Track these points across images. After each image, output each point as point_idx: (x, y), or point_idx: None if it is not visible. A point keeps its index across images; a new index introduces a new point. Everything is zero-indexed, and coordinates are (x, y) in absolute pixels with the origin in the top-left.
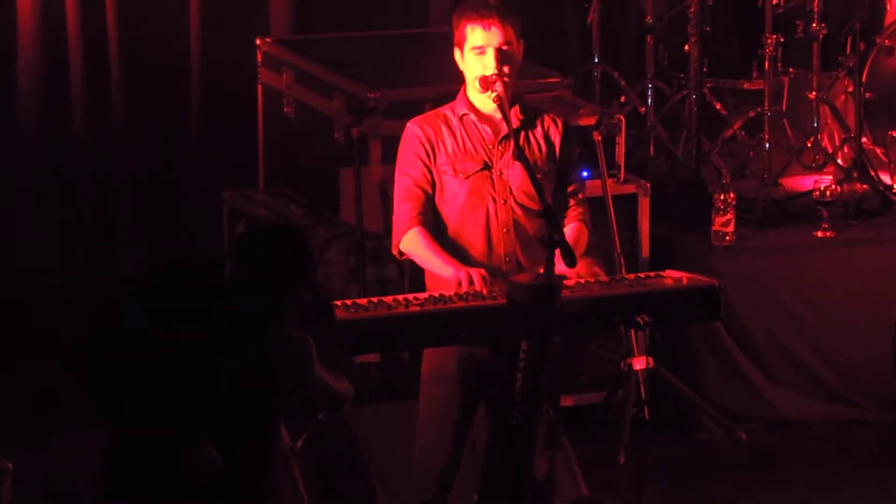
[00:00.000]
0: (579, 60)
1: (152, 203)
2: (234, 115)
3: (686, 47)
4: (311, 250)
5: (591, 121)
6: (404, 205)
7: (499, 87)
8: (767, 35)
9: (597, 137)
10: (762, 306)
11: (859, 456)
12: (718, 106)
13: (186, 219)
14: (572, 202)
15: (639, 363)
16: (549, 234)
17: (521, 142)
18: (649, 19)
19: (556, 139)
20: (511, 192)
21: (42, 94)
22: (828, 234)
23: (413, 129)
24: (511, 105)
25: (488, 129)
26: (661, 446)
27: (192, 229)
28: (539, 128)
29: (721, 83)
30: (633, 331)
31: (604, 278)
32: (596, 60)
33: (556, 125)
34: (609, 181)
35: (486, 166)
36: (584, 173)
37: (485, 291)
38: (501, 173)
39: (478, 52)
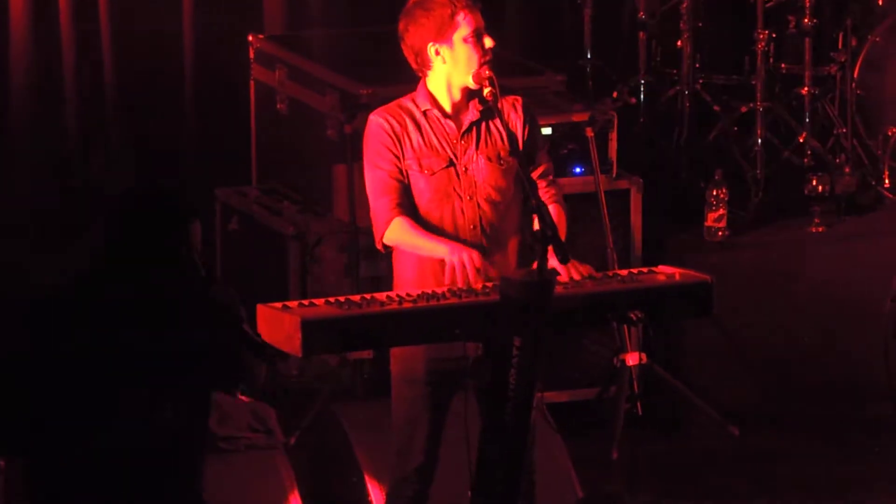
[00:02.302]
0: (572, 56)
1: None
2: (227, 112)
3: (679, 43)
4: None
5: (584, 117)
6: (382, 198)
7: (493, 81)
8: (759, 31)
9: (589, 133)
10: (755, 302)
11: (854, 452)
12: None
13: None
14: (543, 183)
15: (632, 359)
16: (542, 230)
17: (483, 133)
18: (642, 15)
19: (518, 125)
20: (477, 187)
21: (35, 90)
22: (820, 229)
23: (378, 121)
24: (471, 97)
25: (451, 124)
26: (653, 442)
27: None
28: (498, 116)
29: (713, 79)
30: (625, 327)
31: (596, 274)
32: (589, 56)
33: (516, 109)
34: (602, 177)
35: (452, 163)
36: (577, 169)
37: (478, 271)
38: (466, 169)
39: (472, 38)
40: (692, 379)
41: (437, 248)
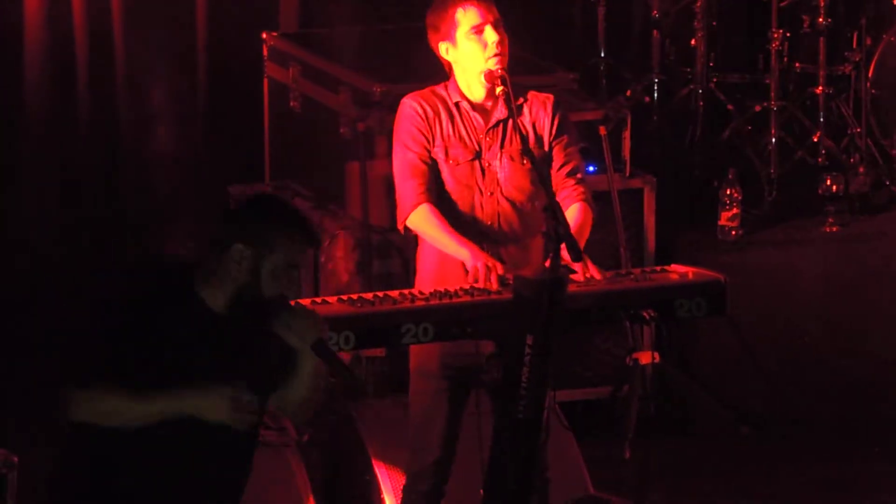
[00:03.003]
0: (585, 55)
1: (158, 197)
2: (240, 109)
3: (692, 42)
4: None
5: (597, 115)
6: (409, 181)
7: (505, 80)
8: (773, 30)
9: (602, 132)
10: (768, 301)
11: (869, 452)
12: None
13: (192, 213)
14: (572, 181)
15: (644, 358)
16: (554, 228)
17: (510, 131)
18: (655, 14)
19: (546, 124)
20: (499, 185)
21: (49, 89)
22: (834, 228)
23: (412, 104)
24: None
25: (479, 119)
26: (666, 441)
27: (198, 223)
28: (527, 115)
29: (727, 78)
30: (638, 325)
31: (607, 274)
32: (602, 55)
33: (546, 109)
34: (615, 176)
35: (477, 156)
36: (591, 168)
37: (501, 278)
38: (489, 164)
39: (475, 31)
40: (705, 378)
41: (459, 251)
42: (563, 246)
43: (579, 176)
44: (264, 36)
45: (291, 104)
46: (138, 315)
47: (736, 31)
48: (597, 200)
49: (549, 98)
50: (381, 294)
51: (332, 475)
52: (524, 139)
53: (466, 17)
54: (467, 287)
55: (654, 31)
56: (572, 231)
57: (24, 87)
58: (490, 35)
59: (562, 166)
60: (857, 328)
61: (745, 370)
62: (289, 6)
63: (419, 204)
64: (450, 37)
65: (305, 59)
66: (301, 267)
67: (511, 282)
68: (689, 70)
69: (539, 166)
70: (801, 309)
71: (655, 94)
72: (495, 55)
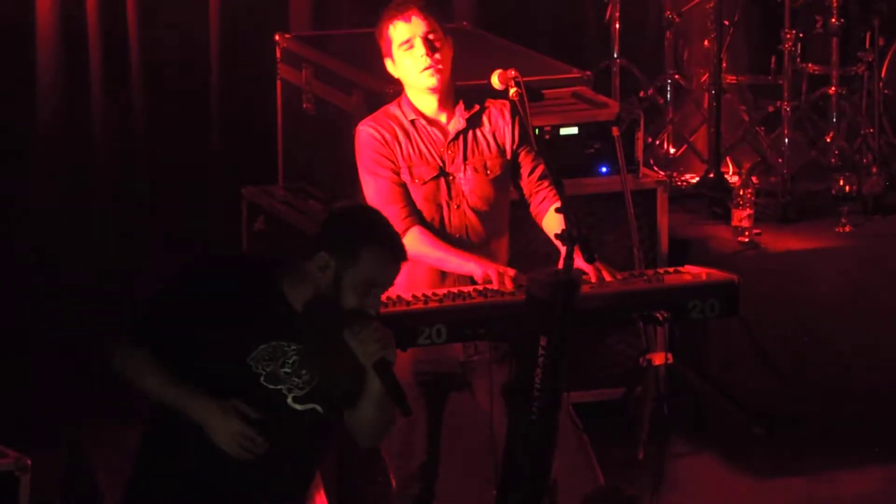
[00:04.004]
0: (598, 56)
1: (171, 199)
2: (253, 111)
3: (706, 42)
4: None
5: (611, 116)
6: (390, 207)
7: (518, 81)
8: (786, 30)
9: (616, 132)
10: (781, 302)
11: (882, 454)
12: (737, 101)
13: (205, 214)
14: (546, 184)
15: (658, 359)
16: (568, 229)
17: (471, 142)
18: (669, 14)
19: (507, 130)
20: (465, 196)
21: (62, 92)
22: (847, 228)
23: (368, 131)
24: (455, 101)
25: (437, 133)
26: (679, 442)
27: (211, 225)
28: (486, 125)
29: (740, 78)
30: (651, 326)
31: (619, 275)
32: (615, 55)
33: (504, 115)
34: (628, 177)
35: (442, 172)
36: (603, 169)
37: (510, 288)
38: (454, 178)
39: (406, 46)
40: (718, 379)
41: (465, 266)
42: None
43: (551, 178)
44: (277, 38)
45: (304, 106)
46: (214, 291)
47: (749, 31)
48: (610, 201)
49: (506, 105)
50: (393, 296)
51: (345, 478)
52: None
53: (397, 33)
54: (480, 288)
55: (668, 32)
56: None
57: (36, 90)
58: (419, 49)
59: (531, 172)
60: (870, 328)
61: (758, 371)
62: (302, 8)
63: (408, 228)
64: (389, 53)
65: (318, 60)
66: (384, 286)
67: (524, 283)
68: (702, 71)
69: (551, 166)
70: (814, 310)
71: (669, 95)
72: (426, 69)
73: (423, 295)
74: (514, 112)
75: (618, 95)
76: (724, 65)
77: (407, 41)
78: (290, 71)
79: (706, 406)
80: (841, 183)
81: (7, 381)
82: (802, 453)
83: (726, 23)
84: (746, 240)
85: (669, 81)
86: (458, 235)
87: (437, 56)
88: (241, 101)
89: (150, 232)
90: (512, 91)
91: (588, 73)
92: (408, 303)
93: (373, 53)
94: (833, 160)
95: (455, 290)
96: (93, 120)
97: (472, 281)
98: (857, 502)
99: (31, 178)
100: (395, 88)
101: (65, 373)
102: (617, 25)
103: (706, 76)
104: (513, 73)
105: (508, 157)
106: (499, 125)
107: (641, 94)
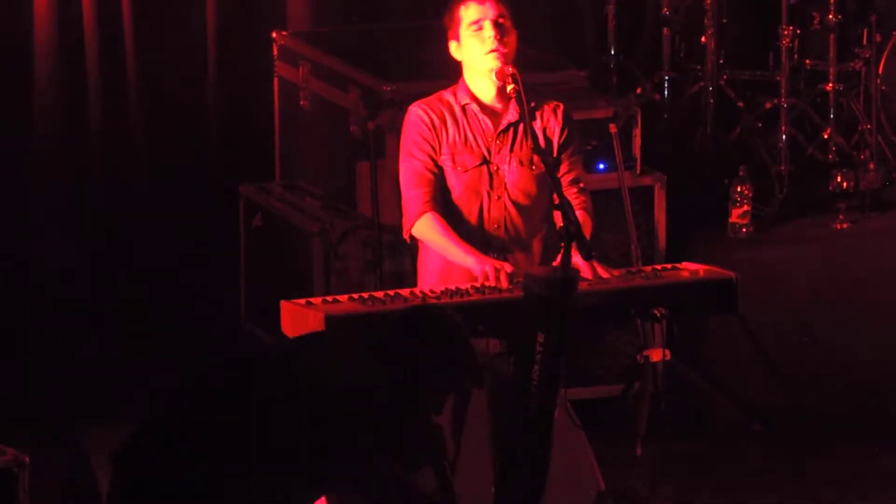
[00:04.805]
0: (596, 52)
1: (168, 196)
2: (251, 109)
3: (703, 39)
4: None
5: (608, 112)
6: (415, 189)
7: (516, 78)
8: (784, 26)
9: (613, 129)
10: (779, 298)
11: (881, 447)
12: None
13: (203, 212)
14: (574, 190)
15: (655, 355)
16: (565, 226)
17: (520, 135)
18: (666, 11)
19: (556, 130)
20: (506, 189)
21: (59, 89)
22: (844, 225)
23: (418, 112)
24: (510, 96)
25: (488, 122)
26: (677, 439)
27: (209, 222)
28: (538, 120)
29: (737, 75)
30: (649, 323)
31: (616, 272)
32: (612, 52)
33: (556, 115)
34: (626, 173)
35: (485, 161)
36: (601, 165)
37: (505, 286)
38: (498, 168)
39: (475, 27)
40: (716, 375)
41: (464, 259)
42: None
43: (581, 185)
44: (274, 35)
45: (301, 103)
46: None
47: (746, 28)
48: (607, 198)
49: (560, 105)
50: (391, 292)
51: None
52: (535, 138)
53: (468, 14)
54: (478, 285)
55: (665, 29)
56: None
57: (33, 88)
58: (488, 30)
59: (566, 174)
60: (868, 324)
61: (756, 367)
62: (298, 5)
63: (424, 213)
64: (456, 35)
65: (315, 57)
66: None
67: (521, 280)
68: (699, 67)
69: (552, 169)
70: (812, 306)
71: (666, 92)
72: (492, 51)
73: (421, 292)
74: (566, 114)
75: (615, 92)
76: (721, 61)
77: (476, 22)
78: (287, 68)
79: (704, 402)
80: (838, 179)
81: (7, 380)
82: (800, 449)
83: (724, 19)
84: (744, 236)
85: (666, 78)
86: (495, 227)
87: (506, 39)
88: (239, 99)
89: (148, 230)
90: (510, 88)
91: (585, 69)
92: (405, 299)
93: (370, 50)
94: (830, 157)
95: (453, 287)
96: (90, 118)
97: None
98: (856, 497)
99: (31, 179)
100: (392, 87)
101: (65, 372)
102: (614, 22)
103: (703, 73)
104: (511, 69)
105: (555, 154)
106: (550, 123)
107: (639, 90)
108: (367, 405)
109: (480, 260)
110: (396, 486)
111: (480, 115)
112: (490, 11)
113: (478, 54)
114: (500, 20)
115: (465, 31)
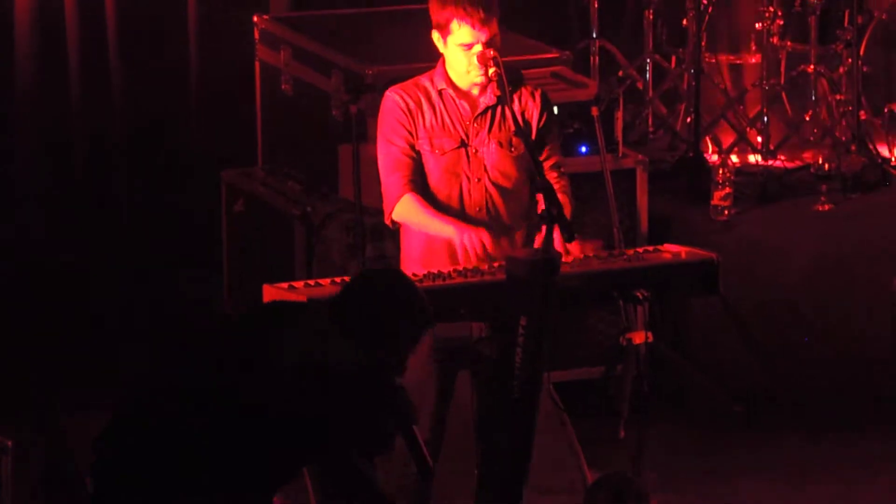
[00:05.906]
0: (578, 35)
1: (150, 181)
2: (232, 93)
3: (684, 22)
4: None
5: (590, 95)
6: (393, 174)
7: (497, 61)
8: (765, 9)
9: (595, 112)
10: (761, 280)
11: (860, 428)
12: (717, 80)
13: (184, 196)
14: (554, 174)
15: (638, 338)
16: (547, 208)
17: (498, 117)
18: None
19: (534, 114)
20: (486, 171)
21: (39, 70)
22: (826, 207)
23: (394, 98)
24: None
25: (465, 105)
26: (660, 421)
27: (190, 207)
28: (517, 103)
29: (719, 57)
30: (632, 305)
31: (602, 253)
32: (594, 35)
33: (534, 99)
34: (608, 156)
35: (463, 143)
36: (583, 148)
37: (489, 248)
38: (476, 151)
39: (465, 48)
40: (698, 357)
41: (443, 229)
42: (555, 227)
43: (562, 170)
44: (255, 19)
45: (283, 87)
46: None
47: (727, 10)
48: (589, 181)
49: (538, 90)
50: None
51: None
52: (516, 120)
53: (460, 32)
54: (460, 268)
55: (647, 12)
56: None
57: (14, 68)
58: (477, 57)
59: (546, 159)
60: (849, 305)
61: (738, 348)
62: None
63: (402, 195)
64: (443, 38)
65: (297, 42)
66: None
67: (496, 259)
68: (681, 50)
69: (531, 149)
70: (793, 287)
71: (648, 75)
72: (479, 75)
73: None
74: (544, 97)
75: (597, 75)
76: (703, 43)
77: (468, 45)
78: (268, 52)
79: (686, 384)
80: (820, 161)
81: None
82: (782, 430)
83: (704, 2)
84: (726, 218)
85: (648, 61)
86: (477, 210)
87: (491, 62)
88: (220, 83)
89: (129, 215)
90: (491, 71)
91: (567, 52)
92: None
93: (351, 34)
94: (812, 138)
95: (435, 270)
96: (71, 103)
97: (489, 258)
98: (837, 479)
99: (15, 160)
100: (374, 70)
101: (48, 358)
102: (596, 5)
103: (685, 55)
104: (492, 52)
105: (533, 137)
106: (528, 106)
107: (620, 73)
108: (334, 378)
109: (459, 228)
110: (355, 477)
111: (458, 100)
112: (483, 34)
113: (462, 70)
114: (491, 43)
115: (453, 45)
